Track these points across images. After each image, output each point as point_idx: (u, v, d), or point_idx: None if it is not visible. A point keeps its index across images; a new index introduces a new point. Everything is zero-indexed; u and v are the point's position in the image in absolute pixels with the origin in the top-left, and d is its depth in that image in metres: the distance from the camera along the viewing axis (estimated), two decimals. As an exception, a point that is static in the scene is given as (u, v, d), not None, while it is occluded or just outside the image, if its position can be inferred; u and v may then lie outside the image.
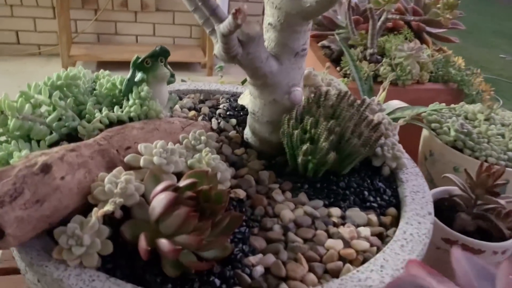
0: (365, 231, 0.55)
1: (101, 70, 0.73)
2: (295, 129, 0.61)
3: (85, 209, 0.49)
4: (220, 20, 0.53)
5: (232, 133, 0.73)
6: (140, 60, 0.66)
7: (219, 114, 0.78)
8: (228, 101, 0.83)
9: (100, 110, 0.64)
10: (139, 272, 0.46)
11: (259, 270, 0.48)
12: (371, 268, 0.49)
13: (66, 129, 0.62)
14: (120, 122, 0.64)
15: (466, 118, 1.00)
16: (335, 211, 0.58)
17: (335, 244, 0.53)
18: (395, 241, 0.53)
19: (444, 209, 0.75)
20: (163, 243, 0.45)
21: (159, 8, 2.90)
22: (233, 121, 0.76)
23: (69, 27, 2.73)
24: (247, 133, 0.71)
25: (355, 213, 0.58)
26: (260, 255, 0.50)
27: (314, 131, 0.60)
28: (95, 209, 0.47)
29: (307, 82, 0.74)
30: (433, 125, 0.96)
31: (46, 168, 0.47)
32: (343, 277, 0.48)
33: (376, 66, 1.24)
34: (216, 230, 0.48)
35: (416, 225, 0.56)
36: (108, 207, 0.46)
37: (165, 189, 0.48)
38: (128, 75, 0.67)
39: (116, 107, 0.65)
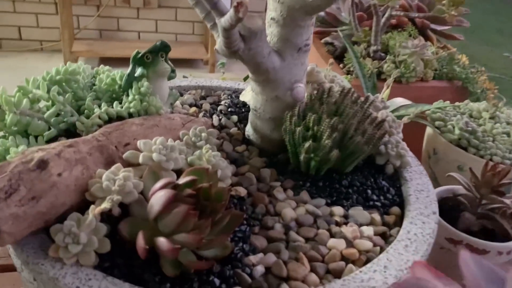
0: (368, 230, 0.54)
1: (101, 66, 0.72)
2: (298, 126, 0.60)
3: (82, 206, 0.48)
4: (222, 13, 0.52)
5: (233, 130, 0.72)
6: (140, 55, 0.65)
7: (220, 111, 0.77)
8: (229, 97, 0.82)
9: (99, 106, 0.63)
10: (137, 271, 0.45)
11: (259, 269, 0.47)
12: (374, 268, 0.48)
13: (65, 124, 0.61)
14: (119, 118, 0.63)
15: (470, 116, 0.99)
16: (338, 210, 0.57)
17: (338, 244, 0.52)
18: (398, 241, 0.52)
19: (448, 209, 0.74)
20: (162, 241, 0.44)
21: (162, 5, 2.89)
22: (235, 117, 0.75)
23: (71, 23, 2.72)
24: (249, 130, 0.70)
25: (358, 212, 0.57)
26: (260, 255, 0.49)
27: (316, 128, 0.59)
28: (92, 206, 0.46)
29: (310, 79, 0.73)
30: (437, 123, 0.95)
31: (42, 164, 0.46)
32: (346, 278, 0.47)
33: (380, 63, 1.23)
34: (216, 228, 0.47)
35: (421, 224, 0.55)
36: (105, 205, 0.45)
37: (164, 187, 0.47)
38: (128, 70, 0.66)
39: (115, 103, 0.65)
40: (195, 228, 0.45)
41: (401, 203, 0.61)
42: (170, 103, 0.71)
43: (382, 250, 0.52)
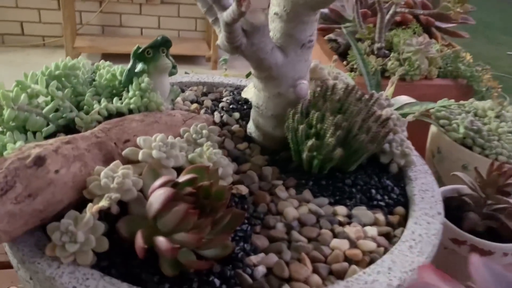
0: (372, 230, 0.53)
1: (102, 61, 0.71)
2: (300, 124, 0.59)
3: (80, 204, 0.47)
4: (224, 8, 0.51)
5: (235, 127, 0.70)
6: (141, 50, 0.64)
7: (222, 108, 0.76)
8: (231, 94, 0.81)
9: (99, 102, 0.62)
10: (135, 271, 0.44)
11: (261, 270, 0.46)
12: (378, 270, 0.47)
13: (63, 120, 0.60)
14: (119, 114, 0.62)
15: (475, 115, 0.97)
16: (341, 210, 0.56)
17: (341, 244, 0.50)
18: (403, 241, 0.51)
19: (453, 208, 0.73)
20: (161, 241, 0.43)
21: (164, 1, 2.88)
22: (236, 114, 0.74)
23: (73, 18, 2.71)
24: (251, 127, 0.69)
25: (361, 211, 0.56)
26: (262, 255, 0.48)
27: (320, 126, 0.58)
28: (89, 204, 0.45)
29: (313, 75, 0.71)
30: (441, 121, 0.93)
31: (39, 161, 0.45)
32: (349, 279, 0.46)
33: (384, 61, 1.22)
34: (216, 228, 0.46)
35: (425, 225, 0.54)
36: (104, 203, 0.44)
37: (163, 185, 0.46)
38: (128, 65, 0.65)
39: (115, 99, 0.63)
40: (195, 227, 0.44)
41: (406, 203, 0.59)
42: (171, 100, 0.70)
43: (386, 251, 0.50)
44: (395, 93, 1.01)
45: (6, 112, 0.55)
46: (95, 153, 0.51)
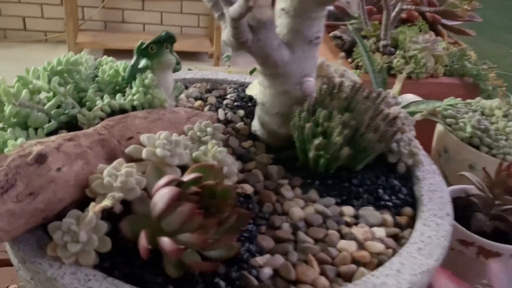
0: (380, 231, 0.52)
1: (104, 56, 0.70)
2: (307, 122, 0.58)
3: (82, 203, 0.46)
4: (230, 3, 0.50)
5: (240, 124, 0.69)
6: (144, 45, 0.63)
7: (226, 105, 0.75)
8: (236, 91, 0.80)
9: (102, 98, 0.61)
10: (139, 272, 0.43)
11: (267, 272, 0.45)
12: (386, 272, 0.46)
13: (66, 117, 0.59)
14: (122, 110, 0.61)
15: (482, 114, 0.96)
16: (348, 210, 0.55)
17: (348, 246, 0.49)
18: (411, 243, 0.50)
19: (460, 209, 0.71)
20: (165, 241, 0.42)
21: (167, -4, 2.87)
22: (241, 112, 0.73)
23: (76, 14, 2.70)
24: (255, 125, 0.68)
25: (368, 212, 0.55)
26: (268, 256, 0.47)
27: (327, 124, 0.57)
28: (92, 203, 0.44)
29: (319, 73, 0.70)
30: (448, 120, 0.92)
31: (41, 159, 0.44)
32: (357, 282, 0.45)
33: (390, 58, 1.20)
34: (222, 228, 0.45)
35: (434, 226, 0.52)
36: (107, 202, 0.43)
37: (168, 184, 0.45)
38: (131, 61, 0.64)
39: (118, 95, 0.62)
40: (200, 228, 0.43)
41: (413, 204, 0.58)
42: (175, 96, 0.69)
43: (394, 252, 0.49)
44: (401, 91, 1.00)
45: (7, 108, 0.54)
46: (97, 151, 0.50)
